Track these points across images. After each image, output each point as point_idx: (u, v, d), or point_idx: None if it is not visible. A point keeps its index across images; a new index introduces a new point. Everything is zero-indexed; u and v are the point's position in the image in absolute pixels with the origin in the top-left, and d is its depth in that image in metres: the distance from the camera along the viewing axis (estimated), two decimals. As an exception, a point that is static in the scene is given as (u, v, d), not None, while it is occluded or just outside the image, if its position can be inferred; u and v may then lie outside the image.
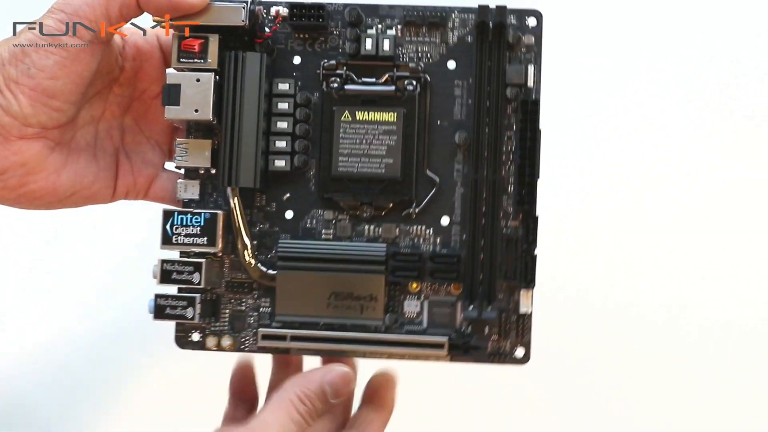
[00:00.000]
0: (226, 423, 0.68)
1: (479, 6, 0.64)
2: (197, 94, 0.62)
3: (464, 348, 0.64)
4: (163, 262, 0.62)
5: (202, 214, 0.63)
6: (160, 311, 0.62)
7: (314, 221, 0.66)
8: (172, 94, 0.62)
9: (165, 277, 0.62)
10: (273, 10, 0.66)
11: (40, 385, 0.89)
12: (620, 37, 0.88)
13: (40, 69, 0.60)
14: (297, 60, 0.66)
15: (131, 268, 0.84)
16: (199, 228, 0.63)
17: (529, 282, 0.64)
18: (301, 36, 0.67)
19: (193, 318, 0.62)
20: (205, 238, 0.63)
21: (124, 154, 0.67)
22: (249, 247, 0.65)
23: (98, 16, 0.60)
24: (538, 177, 0.64)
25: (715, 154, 0.87)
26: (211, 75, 0.63)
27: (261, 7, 0.65)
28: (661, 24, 0.88)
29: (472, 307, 0.63)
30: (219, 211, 0.63)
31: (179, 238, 0.63)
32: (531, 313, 0.65)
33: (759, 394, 0.84)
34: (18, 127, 0.61)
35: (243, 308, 0.66)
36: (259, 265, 0.65)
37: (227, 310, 0.66)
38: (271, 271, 0.65)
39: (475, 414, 0.84)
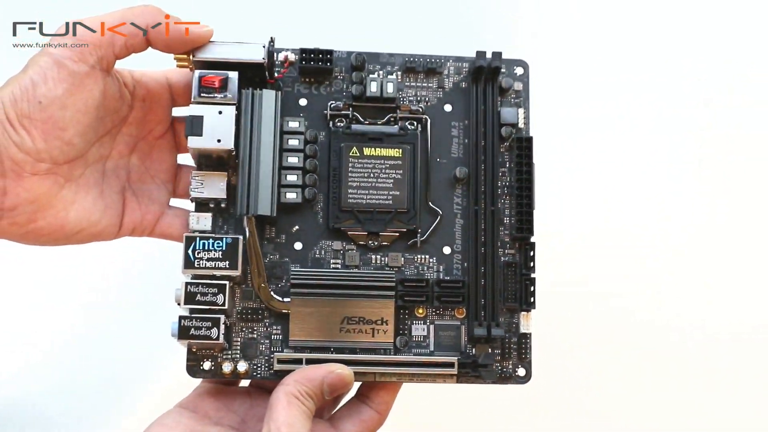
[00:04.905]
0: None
1: (476, 52, 0.70)
2: (219, 125, 0.65)
3: (473, 366, 0.67)
4: (188, 284, 0.64)
5: (224, 238, 0.65)
6: (184, 332, 0.63)
7: (323, 251, 0.69)
8: (194, 125, 0.65)
9: (189, 298, 0.63)
10: (282, 55, 0.70)
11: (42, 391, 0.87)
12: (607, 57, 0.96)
13: (51, 101, 0.61)
14: (303, 102, 0.71)
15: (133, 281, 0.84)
16: (221, 252, 0.65)
17: (530, 305, 0.68)
18: (307, 80, 0.71)
19: (218, 338, 0.63)
20: (227, 262, 0.65)
21: (131, 191, 0.69)
22: (264, 273, 0.67)
23: (104, 44, 0.62)
24: (534, 207, 0.69)
25: (714, 160, 0.93)
26: (233, 107, 0.66)
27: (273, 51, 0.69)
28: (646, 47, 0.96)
29: (480, 326, 0.67)
30: (240, 236, 0.65)
31: (201, 262, 0.64)
32: (531, 334, 0.69)
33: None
34: (31, 163, 0.62)
35: (254, 336, 0.68)
36: (272, 292, 0.67)
37: (238, 339, 0.67)
38: (285, 299, 0.67)
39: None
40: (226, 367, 0.66)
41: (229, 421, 0.68)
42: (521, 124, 0.71)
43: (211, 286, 0.64)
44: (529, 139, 0.70)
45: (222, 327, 0.63)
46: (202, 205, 0.68)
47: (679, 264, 0.93)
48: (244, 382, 0.70)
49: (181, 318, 0.63)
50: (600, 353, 0.90)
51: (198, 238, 0.65)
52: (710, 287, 0.93)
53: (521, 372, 0.69)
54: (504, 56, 0.72)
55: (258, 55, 0.66)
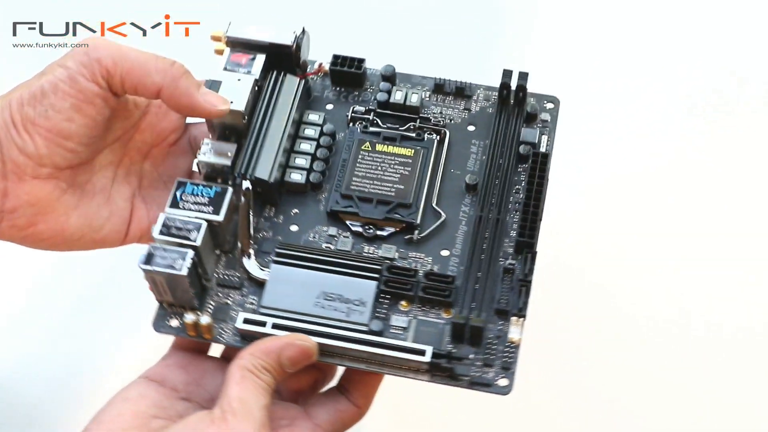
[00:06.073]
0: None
1: (503, 70, 0.70)
2: (236, 90, 0.67)
3: (448, 358, 0.61)
4: (167, 218, 0.63)
5: (213, 187, 0.65)
6: (149, 258, 0.61)
7: (317, 236, 0.67)
8: (212, 87, 0.67)
9: (164, 229, 0.62)
10: (317, 63, 0.73)
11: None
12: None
13: (57, 111, 0.62)
14: (329, 107, 0.72)
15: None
16: (207, 199, 0.64)
17: (521, 310, 0.63)
18: (337, 89, 0.73)
19: (180, 270, 0.61)
20: (212, 208, 0.64)
21: (141, 198, 0.68)
22: (251, 237, 0.65)
23: (116, 74, 0.62)
24: (541, 218, 0.66)
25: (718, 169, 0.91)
26: (252, 78, 0.68)
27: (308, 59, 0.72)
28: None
29: (460, 314, 0.62)
30: (229, 187, 0.65)
31: (186, 204, 0.64)
32: (519, 344, 0.63)
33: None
34: (33, 167, 0.62)
35: (228, 302, 0.65)
36: (254, 258, 0.65)
37: (212, 302, 0.65)
38: (265, 269, 0.65)
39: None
40: (188, 317, 0.63)
41: (198, 397, 0.64)
42: (542, 148, 0.69)
43: (189, 223, 0.63)
44: (546, 155, 0.67)
45: (189, 262, 0.61)
46: (208, 178, 0.68)
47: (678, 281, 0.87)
48: (216, 353, 0.66)
49: (151, 246, 0.62)
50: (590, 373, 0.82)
51: (188, 183, 0.65)
52: (705, 308, 0.86)
53: (503, 382, 0.62)
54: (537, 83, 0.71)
55: (287, 39, 0.69)
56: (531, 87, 0.71)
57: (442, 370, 0.62)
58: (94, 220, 0.66)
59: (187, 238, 0.62)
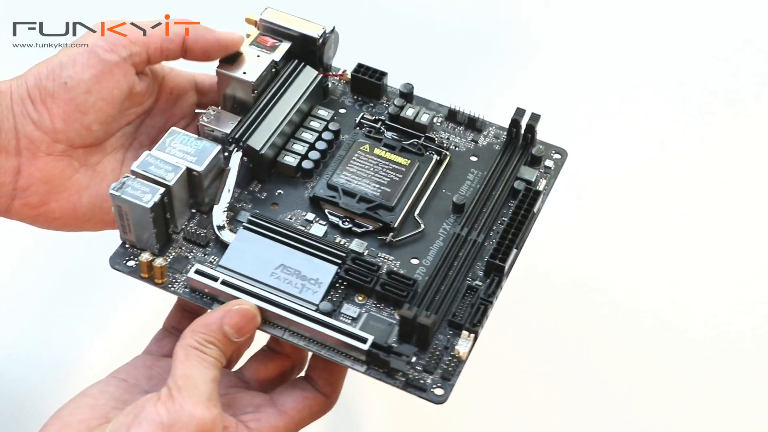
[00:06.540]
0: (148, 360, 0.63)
1: (517, 108, 0.70)
2: (252, 63, 0.69)
3: (387, 351, 0.59)
4: (150, 155, 0.63)
5: (203, 141, 0.65)
6: (121, 186, 0.61)
7: (294, 218, 0.67)
8: (231, 56, 0.69)
9: (144, 165, 0.63)
10: (342, 69, 0.74)
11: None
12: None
13: (76, 83, 0.63)
14: (342, 111, 0.73)
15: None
16: (194, 150, 0.64)
17: (475, 326, 0.61)
18: (355, 97, 0.73)
19: (148, 203, 0.61)
20: (195, 158, 0.64)
21: None
22: (228, 201, 0.65)
23: (138, 42, 0.64)
24: (519, 248, 0.64)
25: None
26: (271, 58, 0.69)
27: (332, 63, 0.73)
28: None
29: (409, 309, 0.60)
30: (219, 146, 0.65)
31: (172, 150, 0.64)
32: (465, 358, 0.60)
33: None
34: (47, 143, 0.64)
35: (189, 257, 0.64)
36: (226, 221, 0.65)
37: (173, 252, 0.64)
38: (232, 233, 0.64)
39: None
40: (144, 256, 0.62)
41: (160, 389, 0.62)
42: (540, 188, 0.68)
43: (168, 164, 0.63)
44: (538, 192, 0.66)
45: (157, 197, 0.61)
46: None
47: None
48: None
49: (126, 176, 0.62)
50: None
51: (181, 133, 0.65)
52: (705, 308, 0.84)
53: (438, 391, 0.60)
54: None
55: (315, 32, 0.71)
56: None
57: (378, 363, 0.59)
58: (104, 200, 0.66)
59: (163, 177, 0.62)
